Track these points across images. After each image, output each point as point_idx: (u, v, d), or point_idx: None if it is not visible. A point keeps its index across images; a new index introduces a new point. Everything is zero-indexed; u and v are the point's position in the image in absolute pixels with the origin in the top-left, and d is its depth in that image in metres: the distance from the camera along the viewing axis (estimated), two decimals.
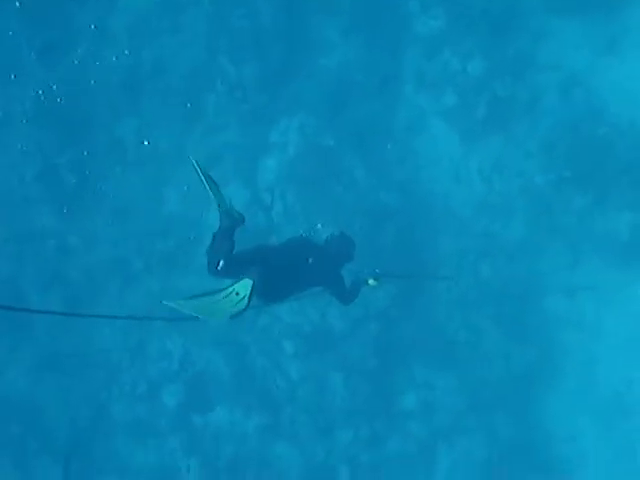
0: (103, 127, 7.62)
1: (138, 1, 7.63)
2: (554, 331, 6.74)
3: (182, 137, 7.51)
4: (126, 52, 7.60)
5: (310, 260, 5.70)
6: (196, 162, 5.21)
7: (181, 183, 7.43)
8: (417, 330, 6.93)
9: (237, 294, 5.27)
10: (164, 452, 7.29)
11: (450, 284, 6.87)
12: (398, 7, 7.17)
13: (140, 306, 7.32)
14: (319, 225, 6.26)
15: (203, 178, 5.23)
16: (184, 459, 7.24)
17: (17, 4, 7.42)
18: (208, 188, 5.29)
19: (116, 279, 7.37)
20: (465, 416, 6.84)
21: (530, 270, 6.81)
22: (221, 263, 5.32)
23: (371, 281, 5.76)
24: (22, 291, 7.43)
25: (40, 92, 7.47)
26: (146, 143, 7.13)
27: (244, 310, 5.22)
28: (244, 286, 5.18)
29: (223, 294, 5.24)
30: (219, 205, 5.37)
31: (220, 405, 7.21)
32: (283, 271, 5.55)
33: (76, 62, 7.57)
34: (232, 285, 5.20)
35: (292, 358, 7.05)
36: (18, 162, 7.45)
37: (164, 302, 5.29)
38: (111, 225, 7.48)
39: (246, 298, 5.18)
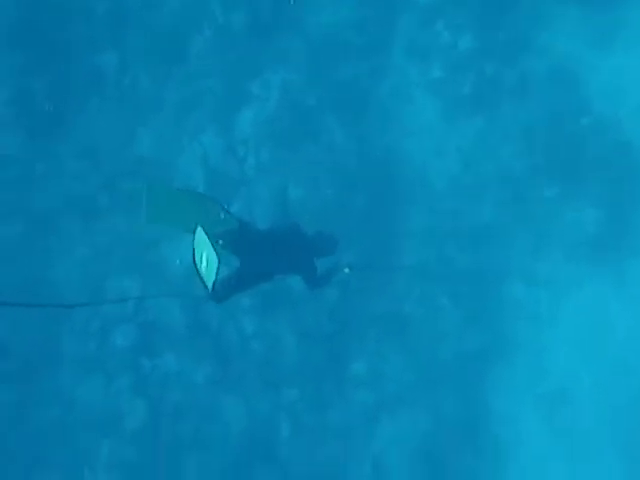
0: (83, 57, 7.72)
1: None
2: (508, 316, 7.02)
3: (163, 78, 7.63)
4: None
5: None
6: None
7: (156, 125, 7.58)
8: (375, 300, 7.18)
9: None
10: (110, 391, 7.54)
11: (413, 260, 7.10)
12: None
13: (101, 242, 7.52)
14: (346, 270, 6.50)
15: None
16: (129, 400, 7.49)
17: None
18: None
19: (79, 213, 7.54)
20: (412, 389, 7.13)
21: (493, 254, 7.06)
22: (220, 242, 6.03)
23: (346, 269, 6.28)
24: None
25: (19, 14, 7.54)
26: None
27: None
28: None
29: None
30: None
31: (170, 351, 7.44)
32: (265, 259, 6.05)
33: None
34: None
35: (248, 313, 7.29)
36: None
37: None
38: (80, 158, 7.63)
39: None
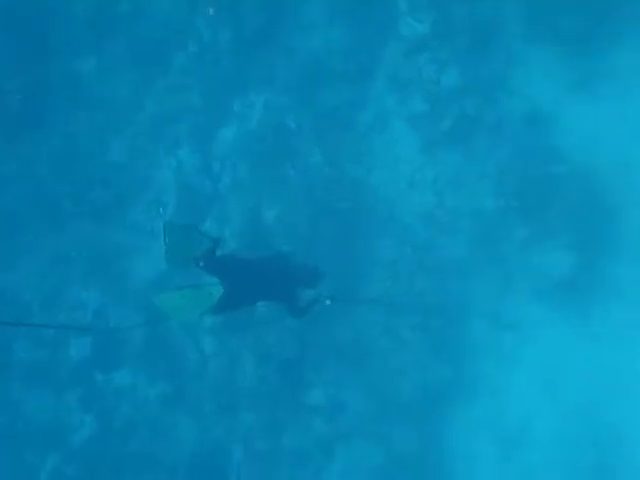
0: (62, 60, 7.81)
1: None
2: (472, 354, 7.14)
3: (142, 89, 7.74)
4: None
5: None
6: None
7: (132, 135, 7.66)
8: (339, 328, 7.25)
9: (210, 294, 6.41)
10: (60, 403, 7.49)
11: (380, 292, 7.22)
12: (387, 2, 7.52)
13: (62, 250, 7.52)
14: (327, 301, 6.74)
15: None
16: (78, 414, 7.44)
17: None
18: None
19: (44, 218, 7.56)
20: (369, 421, 7.17)
21: (462, 290, 7.20)
22: (201, 264, 6.63)
23: (328, 301, 6.68)
24: None
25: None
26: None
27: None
28: (217, 290, 6.38)
29: (200, 290, 6.44)
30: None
31: (126, 367, 7.43)
32: (245, 283, 6.59)
33: None
34: (210, 285, 6.45)
35: (209, 332, 7.32)
36: None
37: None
38: (51, 162, 7.67)
39: (214, 300, 6.38)
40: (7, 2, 7.84)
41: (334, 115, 7.47)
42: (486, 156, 7.20)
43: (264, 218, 7.49)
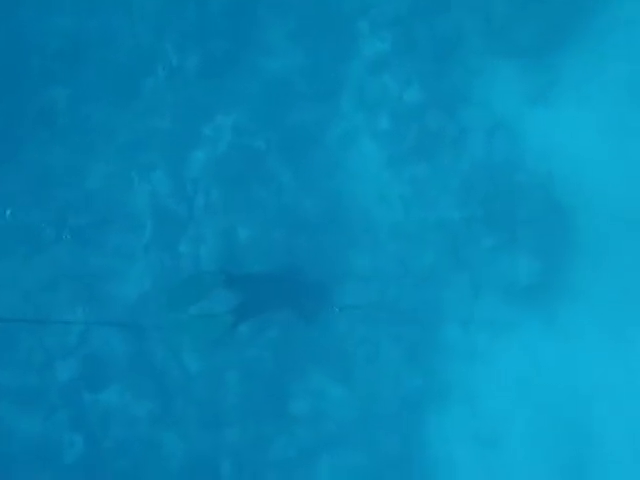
0: (34, 90, 7.79)
1: None
2: (445, 358, 7.31)
3: (114, 114, 7.74)
4: (70, 19, 7.76)
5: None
6: None
7: (107, 161, 7.66)
8: (318, 339, 7.36)
9: (223, 322, 6.90)
10: (50, 424, 7.53)
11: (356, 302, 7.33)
12: (348, 23, 7.62)
13: (45, 275, 7.53)
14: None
15: None
16: (69, 434, 7.49)
17: None
18: None
19: (24, 245, 7.56)
20: (352, 428, 7.32)
21: (433, 298, 7.36)
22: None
23: (337, 309, 7.09)
24: None
25: None
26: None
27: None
28: (228, 318, 6.91)
29: (213, 318, 6.90)
30: None
31: (112, 386, 7.50)
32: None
33: (17, 21, 7.70)
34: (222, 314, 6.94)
35: (192, 351, 7.38)
36: None
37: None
38: (28, 191, 7.66)
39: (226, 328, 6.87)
40: None
41: (302, 133, 7.57)
42: (449, 169, 7.32)
43: (240, 237, 7.52)
